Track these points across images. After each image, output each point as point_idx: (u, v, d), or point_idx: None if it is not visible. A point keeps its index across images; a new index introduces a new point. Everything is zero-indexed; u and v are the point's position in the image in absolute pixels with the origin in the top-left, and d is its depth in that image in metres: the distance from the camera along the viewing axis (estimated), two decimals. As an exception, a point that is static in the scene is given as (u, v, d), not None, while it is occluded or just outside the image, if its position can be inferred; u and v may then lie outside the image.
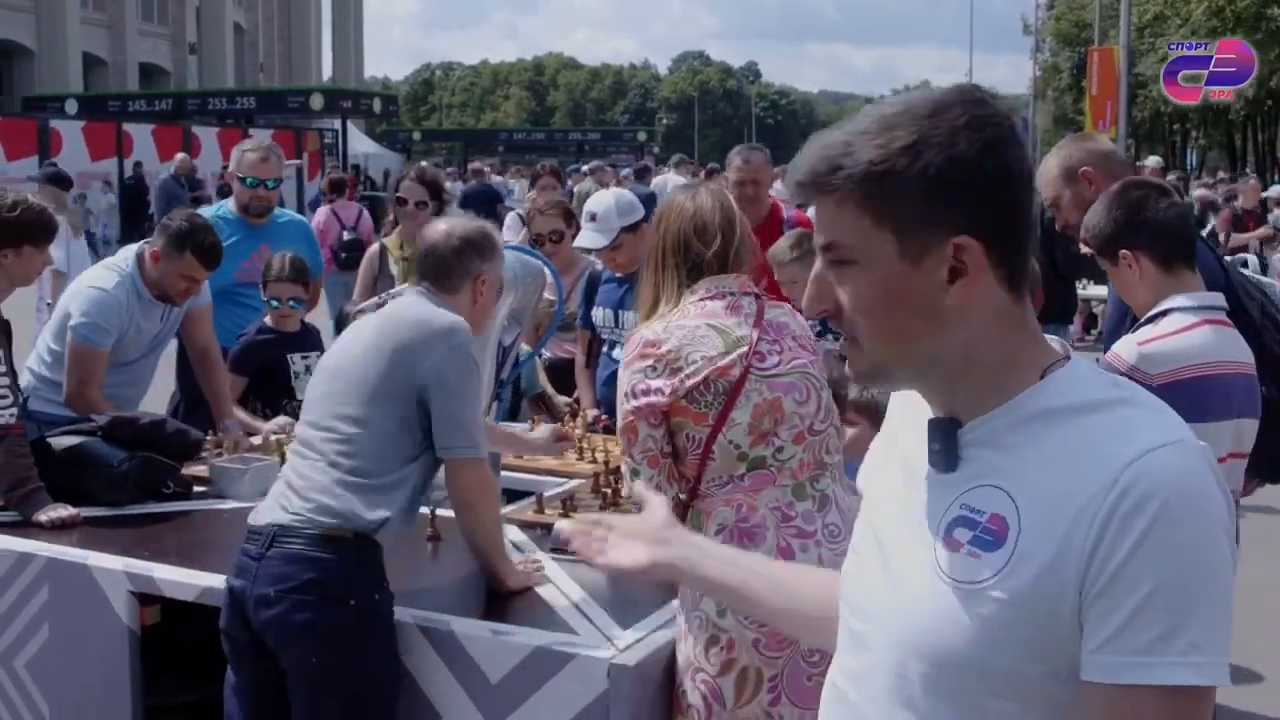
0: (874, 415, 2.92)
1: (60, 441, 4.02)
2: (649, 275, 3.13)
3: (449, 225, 3.34)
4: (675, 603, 2.97)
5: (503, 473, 4.12)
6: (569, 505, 3.74)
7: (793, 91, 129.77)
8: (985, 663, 1.35)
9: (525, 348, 4.66)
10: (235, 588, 2.94)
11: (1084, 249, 3.40)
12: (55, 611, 3.44)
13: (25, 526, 3.69)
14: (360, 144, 43.79)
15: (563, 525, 2.07)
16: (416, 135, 67.20)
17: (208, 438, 4.47)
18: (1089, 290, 10.35)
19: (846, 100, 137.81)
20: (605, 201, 5.22)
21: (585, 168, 23.24)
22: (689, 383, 2.90)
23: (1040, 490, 1.35)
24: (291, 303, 5.35)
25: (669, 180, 18.65)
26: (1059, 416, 1.38)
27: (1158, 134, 50.76)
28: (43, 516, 3.70)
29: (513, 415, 5.60)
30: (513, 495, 4.04)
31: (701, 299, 3.01)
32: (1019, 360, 1.42)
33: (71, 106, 35.63)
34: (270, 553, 2.89)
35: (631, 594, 3.16)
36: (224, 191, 25.47)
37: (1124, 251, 3.24)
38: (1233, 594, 1.31)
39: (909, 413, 1.54)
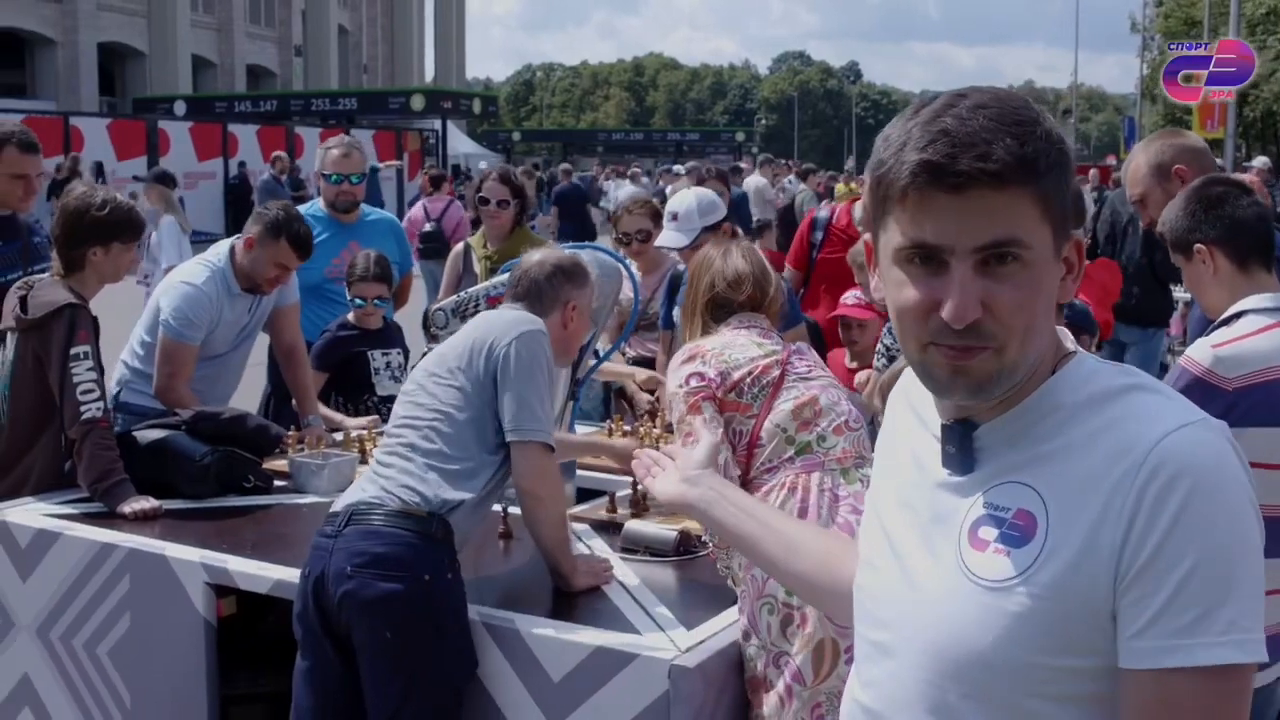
0: None
1: (145, 435, 4.10)
2: (685, 321, 3.51)
3: (543, 254, 3.48)
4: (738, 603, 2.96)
5: (578, 472, 4.13)
6: (641, 505, 3.73)
7: (894, 91, 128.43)
8: (1018, 661, 1.34)
9: (604, 345, 4.67)
10: (313, 570, 2.98)
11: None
12: (136, 601, 3.51)
13: (110, 518, 3.78)
14: (461, 144, 44.24)
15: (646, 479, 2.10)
16: (516, 135, 67.70)
17: (289, 433, 4.54)
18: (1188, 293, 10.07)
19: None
20: (687, 201, 5.22)
21: (680, 168, 23.19)
22: (735, 375, 3.14)
23: (1065, 481, 1.34)
24: (376, 302, 5.42)
25: (753, 182, 18.54)
26: (1076, 408, 1.38)
27: (1269, 134, 49.47)
28: (126, 508, 3.79)
29: (605, 406, 5.64)
30: (586, 494, 4.05)
31: (735, 328, 3.32)
32: (1042, 356, 1.40)
33: (180, 108, 36.45)
34: (346, 530, 2.95)
35: (698, 596, 3.16)
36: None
37: (1199, 246, 3.16)
38: (1263, 568, 1.30)
39: (911, 415, 1.54)
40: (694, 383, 3.16)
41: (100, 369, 3.99)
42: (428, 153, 36.78)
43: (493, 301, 4.04)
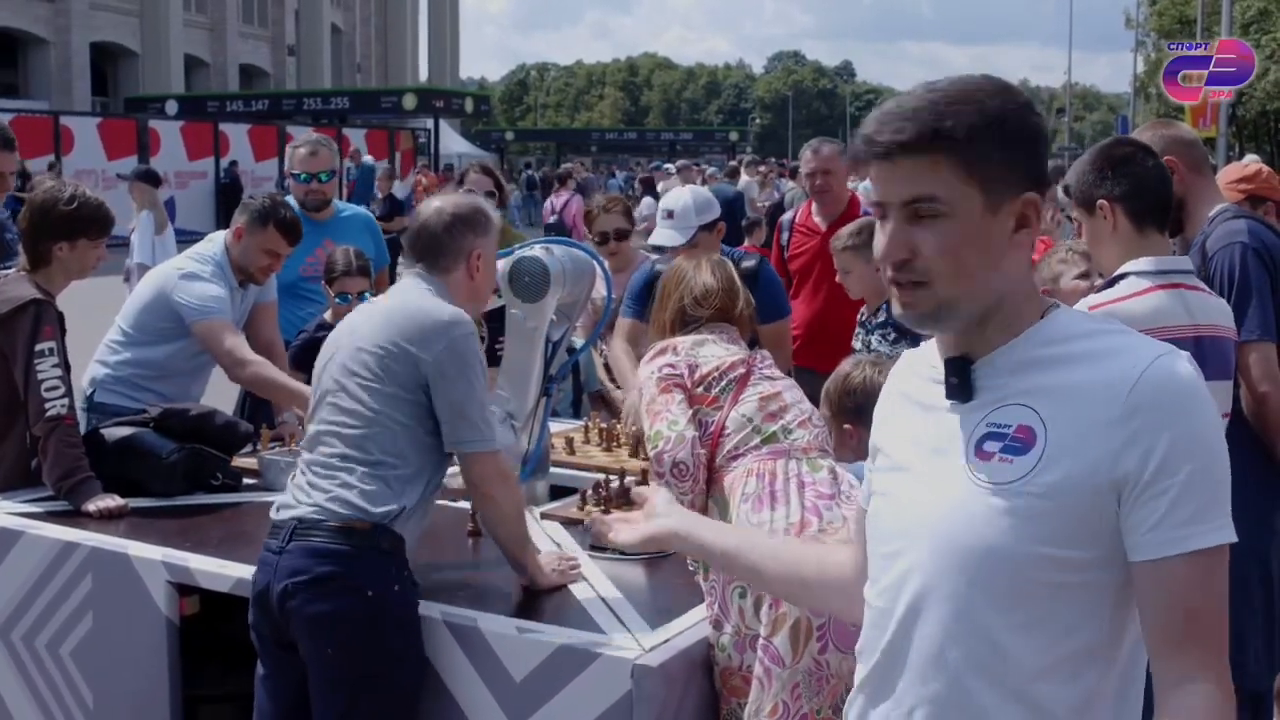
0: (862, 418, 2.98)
1: (113, 432, 4.05)
2: (654, 331, 3.51)
3: (441, 201, 3.27)
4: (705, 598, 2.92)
5: (551, 469, 4.09)
6: (611, 503, 3.69)
7: (888, 91, 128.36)
8: (1019, 551, 1.57)
9: (578, 340, 4.62)
10: (259, 582, 2.94)
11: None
12: (98, 600, 3.46)
13: (75, 516, 3.73)
14: (454, 144, 44.17)
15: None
16: (510, 135, 67.59)
17: (264, 430, 4.49)
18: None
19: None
20: (682, 199, 5.15)
21: (671, 167, 23.13)
22: (703, 368, 3.18)
23: (1060, 402, 1.59)
24: (362, 296, 5.36)
25: (743, 180, 18.47)
26: (1066, 343, 1.62)
27: (1263, 133, 49.49)
28: (91, 506, 3.74)
29: (574, 408, 5.58)
30: (560, 492, 4.01)
31: (703, 333, 3.35)
32: (1029, 303, 1.67)
33: (171, 107, 36.38)
34: (290, 546, 2.89)
35: (665, 595, 3.12)
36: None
37: (1102, 201, 3.24)
38: (1229, 466, 1.58)
39: (907, 375, 1.80)
40: (666, 370, 3.17)
41: (66, 366, 3.94)
42: (420, 152, 36.72)
43: None
